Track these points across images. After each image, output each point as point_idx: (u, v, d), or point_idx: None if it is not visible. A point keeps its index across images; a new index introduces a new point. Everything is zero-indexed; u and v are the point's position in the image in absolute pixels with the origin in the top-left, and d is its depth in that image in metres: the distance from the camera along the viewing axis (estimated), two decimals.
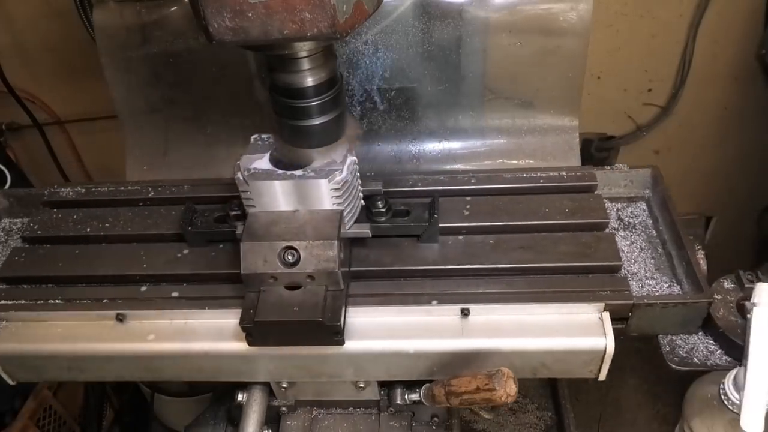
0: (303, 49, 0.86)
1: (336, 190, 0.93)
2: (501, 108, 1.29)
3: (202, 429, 1.27)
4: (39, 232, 1.16)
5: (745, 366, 0.90)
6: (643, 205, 1.20)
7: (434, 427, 1.22)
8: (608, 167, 1.20)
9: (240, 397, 1.12)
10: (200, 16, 0.76)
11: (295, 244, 0.91)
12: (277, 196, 0.94)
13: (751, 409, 0.87)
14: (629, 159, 2.21)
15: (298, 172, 0.93)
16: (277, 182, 0.93)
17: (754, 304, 0.93)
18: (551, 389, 1.60)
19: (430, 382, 1.00)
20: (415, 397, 1.09)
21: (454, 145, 1.31)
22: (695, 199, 2.36)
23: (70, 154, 2.31)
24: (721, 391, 0.95)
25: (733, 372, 0.94)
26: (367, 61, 1.24)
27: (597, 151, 2.19)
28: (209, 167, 1.34)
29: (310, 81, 0.90)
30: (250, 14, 0.74)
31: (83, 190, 1.23)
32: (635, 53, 1.97)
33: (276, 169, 0.94)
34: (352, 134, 1.00)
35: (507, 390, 0.82)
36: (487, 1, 1.20)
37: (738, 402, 0.91)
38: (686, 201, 2.37)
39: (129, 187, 1.22)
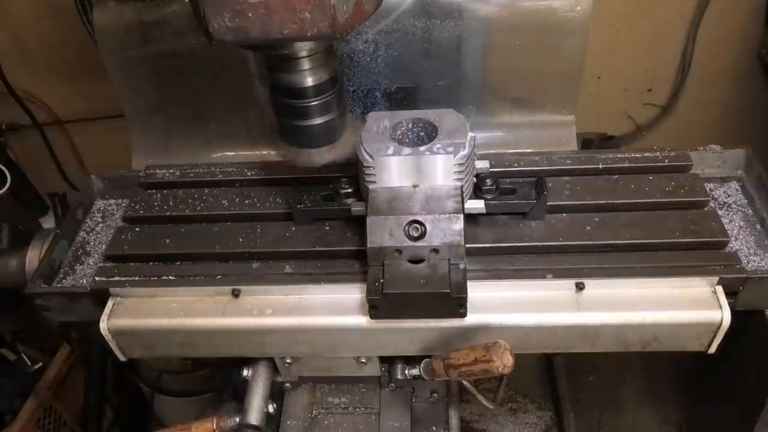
0: (303, 48, 0.86)
1: (459, 165, 0.95)
2: (500, 104, 1.30)
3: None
4: (141, 212, 1.17)
5: None
6: (735, 185, 1.21)
7: (433, 403, 1.26)
8: (701, 148, 1.22)
9: (245, 372, 1.14)
10: (200, 16, 0.76)
11: (421, 217, 0.92)
12: (399, 171, 0.95)
13: None
14: None
15: (424, 148, 0.94)
16: (400, 158, 0.94)
17: None
18: (551, 389, 1.61)
19: (429, 357, 1.02)
20: (415, 372, 1.10)
21: None
22: None
23: (70, 154, 2.32)
24: None
25: None
26: (368, 60, 1.24)
27: None
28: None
29: (310, 81, 0.90)
30: (250, 14, 0.75)
31: (178, 172, 1.24)
32: (635, 53, 1.97)
33: (399, 145, 0.96)
34: (352, 135, 1.00)
35: (504, 361, 0.84)
36: (487, 0, 1.21)
37: None
38: None
39: (223, 168, 1.23)
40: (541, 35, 1.21)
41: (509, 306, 0.98)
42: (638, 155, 1.15)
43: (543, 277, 0.98)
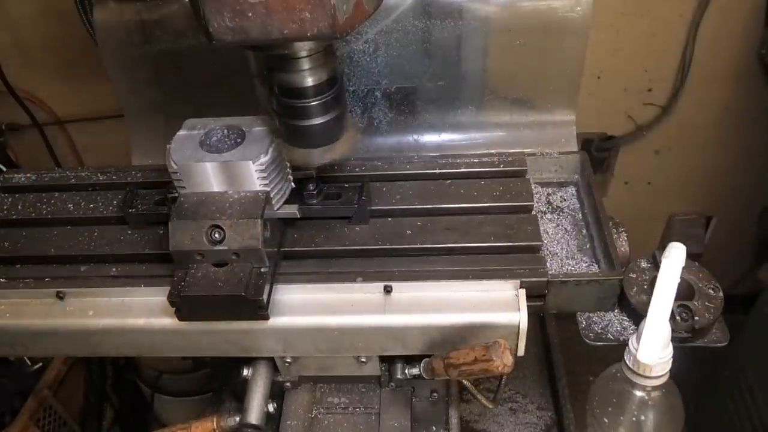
0: (303, 48, 0.86)
1: (261, 171, 0.96)
2: (500, 104, 1.30)
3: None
4: None
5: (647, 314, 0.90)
6: (572, 190, 1.23)
7: (433, 402, 1.26)
8: (539, 153, 1.23)
9: (245, 372, 1.15)
10: (200, 16, 0.76)
11: (220, 222, 0.94)
12: (207, 177, 0.97)
13: (647, 341, 0.88)
14: (629, 159, 2.22)
15: (226, 155, 0.96)
16: (205, 164, 0.96)
17: (664, 257, 0.93)
18: (551, 389, 1.61)
19: (429, 356, 1.02)
20: (415, 371, 1.11)
21: (453, 137, 1.33)
22: (695, 199, 2.37)
23: (70, 154, 2.32)
24: (625, 352, 0.94)
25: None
26: (368, 60, 1.24)
27: (597, 151, 2.19)
28: None
29: (309, 81, 0.90)
30: (250, 14, 0.74)
31: (34, 176, 1.25)
32: (635, 53, 1.97)
33: (205, 151, 0.98)
34: (352, 135, 1.01)
35: (504, 360, 0.85)
36: (487, 0, 1.21)
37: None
38: (686, 201, 2.38)
39: (78, 173, 1.25)
40: (541, 35, 1.22)
41: (319, 308, 0.99)
42: (476, 160, 1.17)
43: (354, 280, 1.00)
